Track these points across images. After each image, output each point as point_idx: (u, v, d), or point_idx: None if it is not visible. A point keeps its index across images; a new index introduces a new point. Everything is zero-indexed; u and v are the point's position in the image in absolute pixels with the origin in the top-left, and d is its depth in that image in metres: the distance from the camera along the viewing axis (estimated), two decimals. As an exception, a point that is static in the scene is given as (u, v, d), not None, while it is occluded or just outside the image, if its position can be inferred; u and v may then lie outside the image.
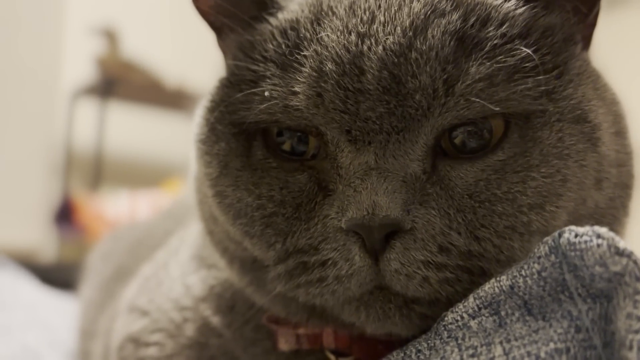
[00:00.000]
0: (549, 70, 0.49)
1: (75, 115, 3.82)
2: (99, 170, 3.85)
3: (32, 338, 1.10)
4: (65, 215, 2.62)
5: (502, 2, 0.50)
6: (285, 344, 0.58)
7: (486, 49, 0.47)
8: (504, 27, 0.48)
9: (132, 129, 4.09)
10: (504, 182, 0.48)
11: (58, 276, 1.77)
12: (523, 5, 0.51)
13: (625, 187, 0.55)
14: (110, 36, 3.66)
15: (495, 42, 0.48)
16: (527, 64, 0.48)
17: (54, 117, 3.87)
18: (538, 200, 0.48)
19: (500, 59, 0.47)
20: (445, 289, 0.47)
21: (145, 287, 0.74)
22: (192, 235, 0.73)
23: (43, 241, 3.50)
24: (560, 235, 0.41)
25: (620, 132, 0.54)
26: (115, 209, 2.41)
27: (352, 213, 0.47)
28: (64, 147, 3.84)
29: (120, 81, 3.65)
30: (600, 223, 0.47)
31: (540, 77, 0.48)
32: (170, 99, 3.78)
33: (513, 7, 0.50)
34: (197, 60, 3.77)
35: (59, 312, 1.32)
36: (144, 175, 3.95)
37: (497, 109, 0.47)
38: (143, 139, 4.14)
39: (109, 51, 3.67)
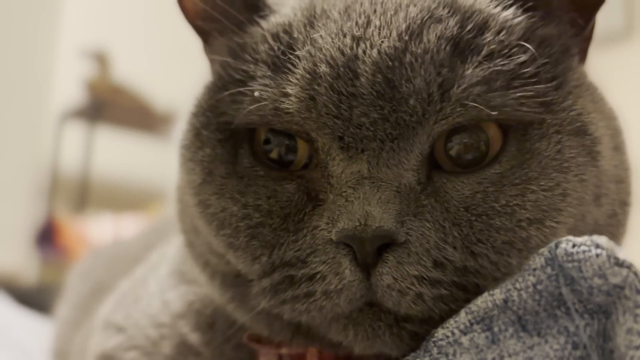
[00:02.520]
0: (548, 80, 0.48)
1: (63, 137, 3.79)
2: (85, 194, 3.80)
3: (3, 358, 1.06)
4: (47, 236, 2.57)
5: (500, 11, 0.49)
6: None
7: (483, 52, 0.46)
8: (501, 34, 0.47)
9: (120, 153, 4.06)
10: (502, 195, 0.46)
11: (38, 299, 1.73)
12: (521, 15, 0.49)
13: (624, 204, 0.53)
14: (101, 60, 3.65)
15: (492, 47, 0.46)
16: (525, 71, 0.46)
17: (41, 139, 3.84)
18: (538, 215, 0.46)
19: (498, 62, 0.46)
20: (439, 306, 0.45)
21: (122, 302, 0.71)
22: (172, 249, 0.71)
23: (25, 264, 3.43)
24: (557, 246, 0.39)
25: (619, 147, 0.53)
26: (99, 231, 2.37)
27: (344, 224, 0.44)
28: (50, 170, 3.80)
29: (109, 105, 3.63)
30: None
31: (539, 86, 0.47)
32: (159, 124, 3.77)
33: (511, 16, 0.49)
34: (186, 86, 3.77)
35: (35, 334, 1.28)
36: (130, 200, 3.91)
37: (494, 113, 0.45)
38: (130, 163, 4.11)
39: (99, 74, 3.66)
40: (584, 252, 0.38)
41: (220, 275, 0.55)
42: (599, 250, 0.37)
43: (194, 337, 0.60)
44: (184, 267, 0.66)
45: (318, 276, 0.46)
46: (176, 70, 3.89)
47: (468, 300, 0.44)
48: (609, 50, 2.63)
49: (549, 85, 0.47)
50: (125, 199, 3.98)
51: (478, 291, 0.45)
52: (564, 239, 0.40)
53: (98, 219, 2.59)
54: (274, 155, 0.51)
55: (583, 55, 0.55)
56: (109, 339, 0.66)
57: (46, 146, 3.82)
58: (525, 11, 0.50)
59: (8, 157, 3.66)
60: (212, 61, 0.59)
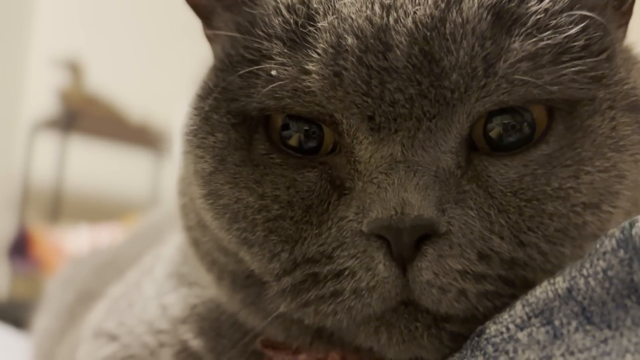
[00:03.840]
0: (599, 52, 0.43)
1: (35, 148, 3.70)
2: (58, 205, 3.71)
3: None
4: (21, 248, 2.48)
5: None
6: None
7: (529, 23, 0.41)
8: (546, 1, 0.42)
9: (94, 164, 3.98)
10: (553, 177, 0.42)
11: (9, 313, 1.65)
12: None
13: None
14: (74, 69, 3.57)
15: (539, 17, 0.42)
16: (575, 44, 0.42)
17: (13, 150, 3.75)
18: (594, 199, 0.41)
19: (546, 35, 0.41)
20: (484, 304, 0.40)
21: (113, 309, 0.65)
22: (169, 251, 0.65)
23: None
24: (632, 226, 0.35)
25: None
26: (75, 242, 2.29)
27: (377, 213, 0.40)
28: (22, 181, 3.71)
29: (82, 115, 3.54)
30: None
31: (590, 59, 0.42)
32: (133, 134, 3.69)
33: None
34: (161, 96, 3.73)
35: (6, 348, 1.21)
36: (104, 211, 3.82)
37: (543, 93, 0.41)
38: (104, 174, 4.03)
39: (72, 84, 3.58)
40: (666, 231, 0.33)
41: (230, 275, 0.50)
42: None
43: (197, 344, 0.55)
44: (183, 268, 0.60)
45: (346, 272, 0.41)
46: (151, 80, 3.85)
47: (514, 297, 0.40)
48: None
49: (600, 57, 0.43)
50: (99, 210, 3.88)
51: (525, 286, 0.40)
52: (638, 217, 0.35)
53: (74, 230, 2.51)
54: (293, 142, 0.45)
55: (624, 29, 0.51)
56: (100, 349, 0.60)
57: (18, 157, 3.73)
58: None
59: (-22, 169, 3.57)
60: (214, 40, 0.53)
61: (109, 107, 3.68)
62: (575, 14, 0.43)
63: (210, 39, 0.54)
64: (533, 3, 0.42)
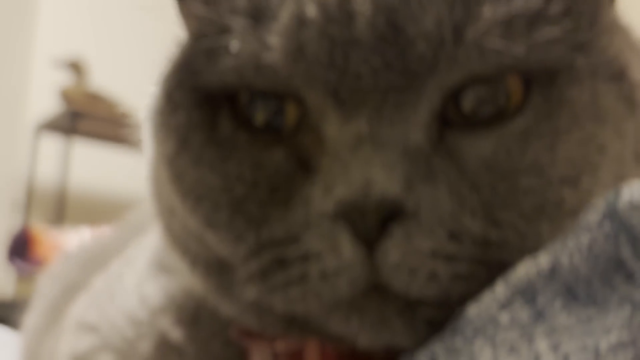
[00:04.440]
0: (580, 16, 0.41)
1: (39, 149, 3.72)
2: (62, 207, 3.71)
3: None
4: (22, 249, 2.47)
5: None
6: None
7: None
8: None
9: (97, 165, 3.99)
10: (529, 151, 0.39)
11: (14, 314, 1.65)
12: None
13: None
14: (77, 69, 3.58)
15: None
16: (553, 8, 0.39)
17: (16, 151, 3.76)
18: (571, 172, 0.39)
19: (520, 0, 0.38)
20: (457, 286, 0.37)
21: (95, 300, 0.63)
22: (151, 238, 0.63)
23: (1, 278, 3.34)
24: (616, 195, 0.32)
25: None
26: (77, 242, 2.28)
27: (341, 192, 0.37)
28: (26, 182, 3.72)
29: (86, 115, 3.55)
30: None
31: (569, 25, 0.40)
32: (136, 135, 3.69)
33: None
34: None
35: (9, 349, 1.21)
36: (108, 212, 3.82)
37: (517, 61, 0.38)
38: (108, 175, 4.02)
39: (76, 84, 3.58)
40: (654, 199, 0.31)
41: (202, 262, 0.48)
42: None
43: (176, 334, 0.53)
44: (164, 256, 0.58)
45: (313, 255, 0.39)
46: (154, 80, 3.84)
47: (491, 279, 0.37)
48: None
49: (580, 23, 0.41)
50: (103, 210, 3.88)
51: (501, 267, 0.38)
52: (623, 187, 0.33)
53: (76, 230, 2.50)
54: (259, 119, 0.43)
55: None
56: (80, 340, 0.59)
57: (22, 158, 3.74)
58: None
59: (-18, 170, 3.59)
60: (187, 19, 0.51)
61: (112, 107, 3.68)
62: None
63: (185, 16, 0.52)
64: None
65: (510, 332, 0.33)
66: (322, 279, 0.38)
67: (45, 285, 0.98)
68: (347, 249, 0.37)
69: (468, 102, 0.40)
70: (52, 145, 3.76)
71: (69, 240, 2.30)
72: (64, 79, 3.56)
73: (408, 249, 0.37)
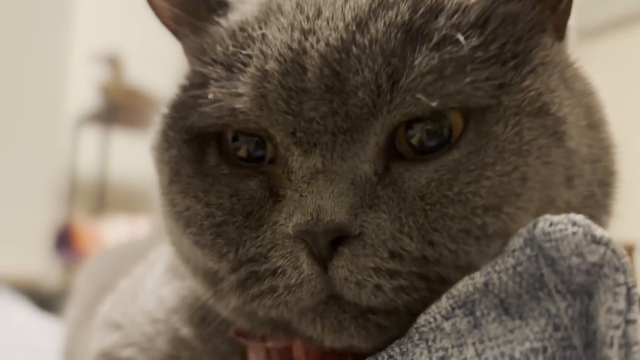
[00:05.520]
0: (507, 60, 0.46)
1: (79, 142, 3.83)
2: (103, 198, 3.83)
3: (18, 361, 1.08)
4: (64, 241, 2.59)
5: None
6: (255, 359, 0.55)
7: (434, 40, 0.44)
8: (455, 16, 0.45)
9: (136, 156, 4.08)
10: (455, 183, 0.45)
11: (59, 303, 1.74)
12: None
13: (603, 185, 0.51)
14: (114, 63, 3.67)
15: (444, 32, 0.45)
16: (480, 54, 0.45)
17: (57, 144, 3.87)
18: (494, 201, 0.44)
19: (450, 49, 0.44)
20: (401, 297, 0.44)
21: (120, 300, 0.72)
22: (168, 247, 0.71)
23: (47, 269, 3.47)
24: (534, 226, 0.38)
25: (595, 125, 0.50)
26: (115, 234, 2.38)
27: (297, 219, 0.45)
28: (68, 174, 3.84)
29: (123, 108, 3.65)
30: None
31: (495, 68, 0.45)
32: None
33: None
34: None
35: (50, 337, 1.29)
36: (147, 202, 3.94)
37: (450, 102, 0.44)
38: (146, 165, 4.10)
39: (113, 78, 3.68)
40: (560, 230, 0.37)
41: (201, 271, 0.55)
42: (575, 228, 0.36)
43: (186, 331, 0.60)
44: (175, 262, 0.66)
45: (279, 271, 0.46)
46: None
47: (431, 290, 0.44)
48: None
49: (507, 65, 0.46)
50: (142, 201, 4.00)
51: (441, 280, 0.44)
52: (541, 218, 0.39)
53: (113, 222, 2.61)
54: (242, 153, 0.51)
55: (560, 30, 0.53)
56: (107, 337, 0.67)
57: (63, 151, 3.86)
58: None
59: (26, 163, 3.70)
60: (188, 56, 0.59)
61: (149, 100, 3.77)
62: (486, 27, 0.46)
63: (185, 53, 0.59)
64: (442, 18, 0.45)
65: (446, 340, 0.39)
66: (287, 291, 0.46)
67: (83, 281, 1.07)
68: (306, 265, 0.45)
69: (416, 137, 0.46)
70: (91, 137, 3.87)
71: (107, 233, 2.42)
72: (101, 73, 3.66)
73: (355, 266, 0.44)
